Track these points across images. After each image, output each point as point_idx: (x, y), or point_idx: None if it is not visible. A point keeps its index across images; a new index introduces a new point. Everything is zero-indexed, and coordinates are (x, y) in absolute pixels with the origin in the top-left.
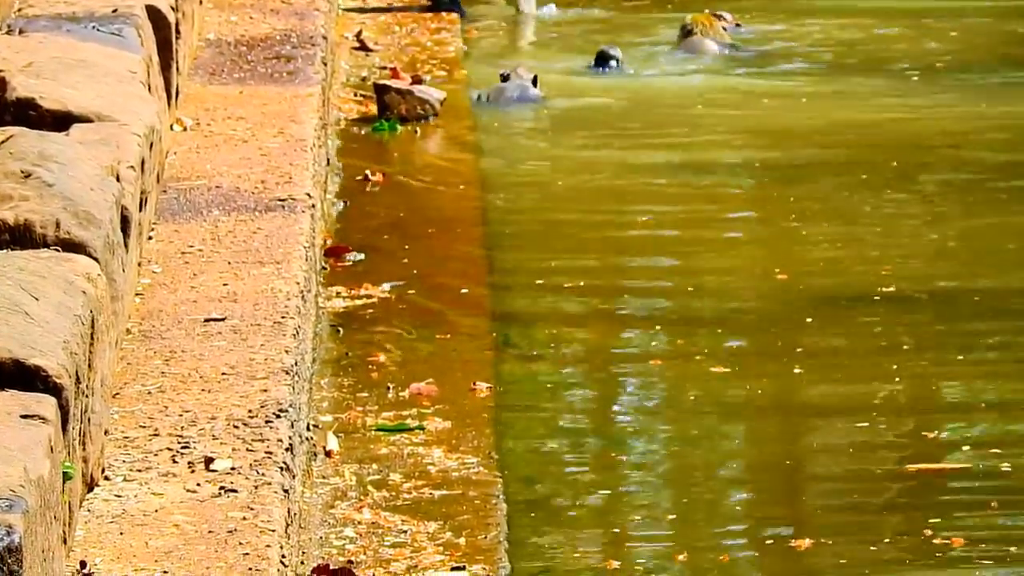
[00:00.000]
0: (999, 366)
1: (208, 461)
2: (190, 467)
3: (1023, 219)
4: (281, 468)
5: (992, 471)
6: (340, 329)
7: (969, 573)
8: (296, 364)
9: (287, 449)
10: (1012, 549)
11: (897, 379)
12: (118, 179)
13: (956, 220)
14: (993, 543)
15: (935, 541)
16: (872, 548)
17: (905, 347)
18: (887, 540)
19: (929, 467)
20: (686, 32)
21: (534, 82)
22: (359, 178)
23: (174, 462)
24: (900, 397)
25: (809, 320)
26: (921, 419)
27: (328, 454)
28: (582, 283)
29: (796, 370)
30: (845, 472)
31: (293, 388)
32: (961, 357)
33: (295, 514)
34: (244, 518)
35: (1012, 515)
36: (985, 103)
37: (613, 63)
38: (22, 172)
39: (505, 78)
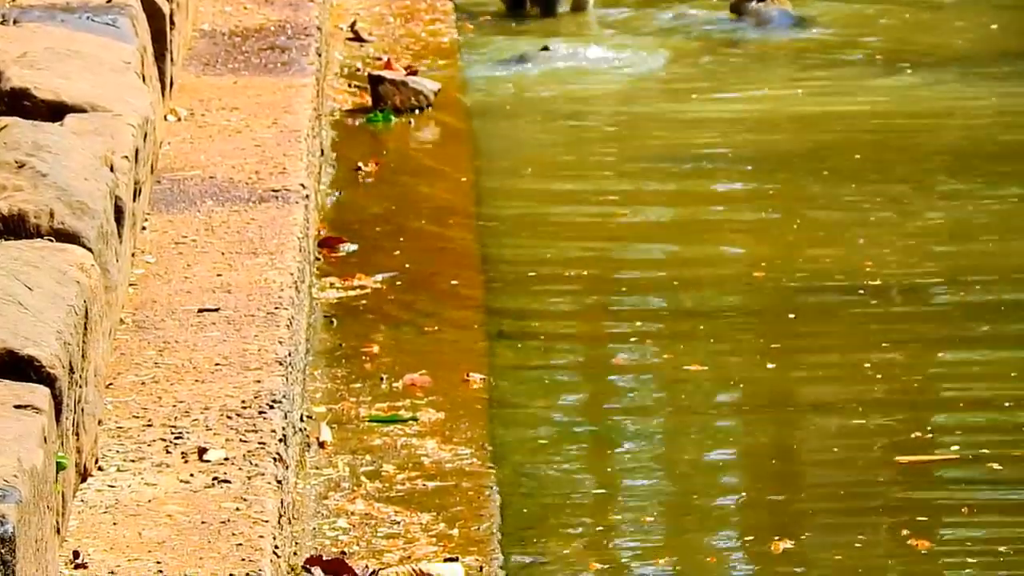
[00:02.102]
0: (987, 359)
1: (201, 451)
2: (183, 457)
3: (1012, 212)
4: (274, 459)
5: (982, 469)
6: (334, 320)
7: (958, 574)
8: (290, 355)
9: (280, 440)
10: (1001, 549)
11: (879, 376)
12: (112, 169)
13: (943, 213)
14: (983, 543)
15: (926, 541)
16: (857, 546)
17: (885, 344)
18: (876, 540)
19: (917, 459)
20: None
21: None
22: (353, 169)
23: (167, 452)
24: (886, 392)
25: (792, 316)
26: (908, 414)
27: (321, 445)
28: (576, 274)
29: (791, 368)
30: (833, 471)
31: (287, 379)
32: (947, 353)
33: (288, 505)
34: (237, 509)
35: (1003, 515)
36: (996, 96)
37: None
38: (16, 162)
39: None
